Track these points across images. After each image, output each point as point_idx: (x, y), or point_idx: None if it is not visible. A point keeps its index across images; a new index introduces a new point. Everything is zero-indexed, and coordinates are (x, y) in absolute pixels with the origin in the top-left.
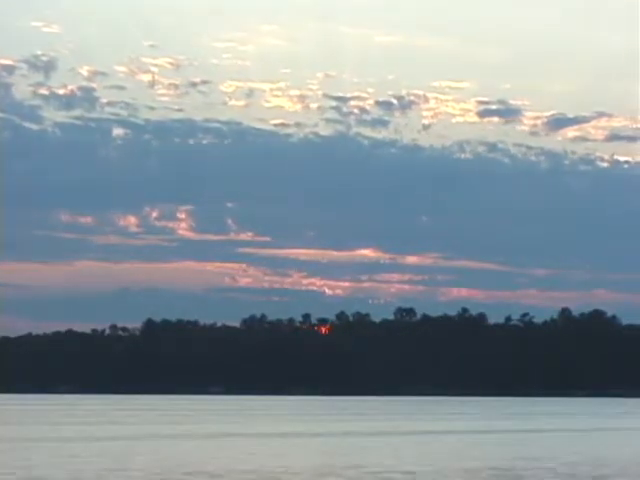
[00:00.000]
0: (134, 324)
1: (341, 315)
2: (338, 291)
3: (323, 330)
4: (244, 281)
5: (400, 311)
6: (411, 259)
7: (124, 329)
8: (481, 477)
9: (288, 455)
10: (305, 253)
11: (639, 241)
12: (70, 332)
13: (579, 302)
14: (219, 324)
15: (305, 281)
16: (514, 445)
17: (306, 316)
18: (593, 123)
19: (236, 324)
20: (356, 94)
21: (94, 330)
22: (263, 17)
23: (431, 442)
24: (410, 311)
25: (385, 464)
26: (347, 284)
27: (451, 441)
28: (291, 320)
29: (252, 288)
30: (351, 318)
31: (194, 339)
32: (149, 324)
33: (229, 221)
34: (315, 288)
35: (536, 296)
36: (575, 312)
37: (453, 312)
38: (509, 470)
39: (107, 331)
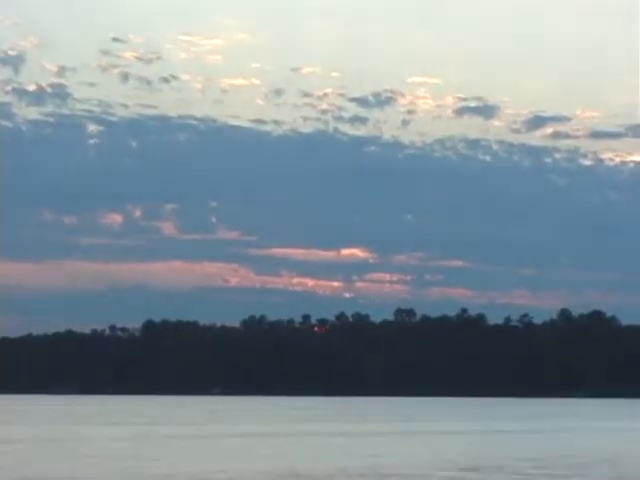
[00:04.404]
0: (133, 325)
1: (341, 316)
2: (329, 291)
3: (323, 331)
4: (239, 281)
5: (400, 312)
6: (399, 258)
7: (124, 330)
8: (477, 477)
9: (286, 456)
10: (293, 252)
11: (633, 240)
12: (70, 333)
13: (576, 303)
14: (218, 325)
15: (295, 281)
16: (510, 445)
17: (306, 317)
18: (575, 120)
19: (236, 325)
20: (329, 90)
21: (94, 331)
22: (225, 10)
23: (431, 443)
24: (410, 312)
25: (385, 465)
26: (338, 284)
27: (454, 441)
28: (291, 321)
29: (248, 288)
30: (351, 319)
31: (194, 340)
32: (149, 325)
33: (214, 220)
34: (307, 288)
35: (530, 296)
36: (574, 313)
37: (452, 313)
38: (512, 473)
39: (107, 332)
